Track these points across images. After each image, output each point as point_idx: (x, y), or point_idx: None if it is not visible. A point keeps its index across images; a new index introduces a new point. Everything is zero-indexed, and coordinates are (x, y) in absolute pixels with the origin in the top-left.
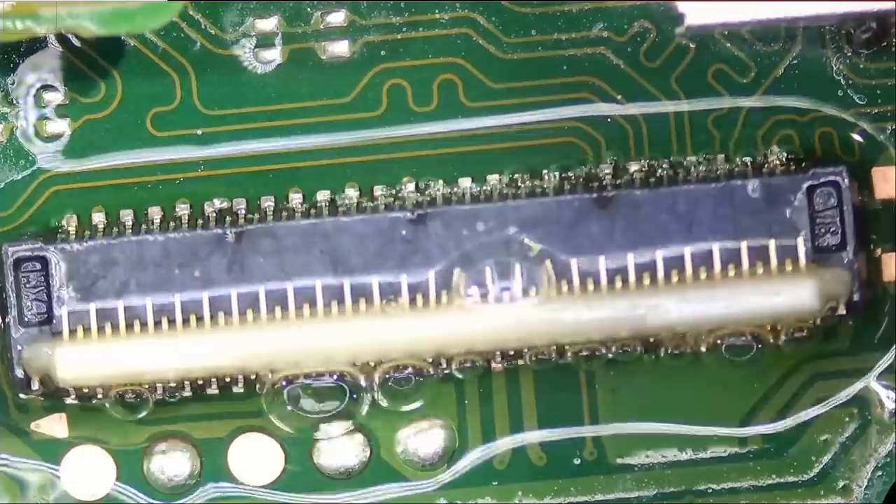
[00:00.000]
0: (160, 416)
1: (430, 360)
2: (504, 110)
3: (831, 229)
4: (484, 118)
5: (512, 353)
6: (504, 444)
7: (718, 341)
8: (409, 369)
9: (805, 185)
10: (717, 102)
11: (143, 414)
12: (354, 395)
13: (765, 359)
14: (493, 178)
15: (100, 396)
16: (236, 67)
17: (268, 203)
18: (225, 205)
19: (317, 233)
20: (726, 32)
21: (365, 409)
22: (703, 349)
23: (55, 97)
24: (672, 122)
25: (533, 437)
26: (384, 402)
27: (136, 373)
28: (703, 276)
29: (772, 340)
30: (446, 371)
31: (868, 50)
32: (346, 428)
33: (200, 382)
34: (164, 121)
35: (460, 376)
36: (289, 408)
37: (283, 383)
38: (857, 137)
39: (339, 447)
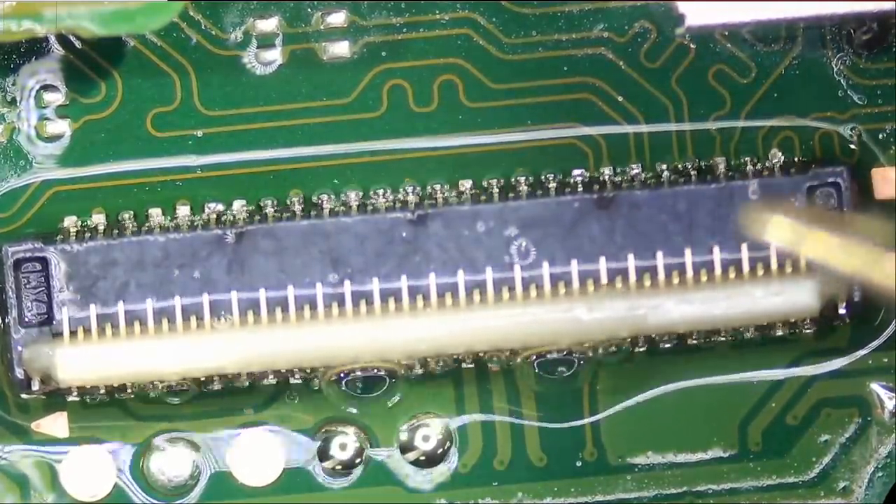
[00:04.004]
0: (160, 415)
1: (430, 359)
2: (504, 111)
3: None
4: (484, 118)
5: (512, 352)
6: (504, 443)
7: (720, 340)
8: (409, 369)
9: (805, 186)
10: (717, 103)
11: (144, 413)
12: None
13: (764, 358)
14: (493, 179)
15: (101, 396)
16: (237, 68)
17: (268, 204)
18: (222, 207)
19: (317, 233)
20: (727, 33)
21: (366, 406)
22: (703, 348)
23: (55, 98)
24: (672, 123)
25: (533, 436)
26: (384, 402)
27: (136, 373)
28: (703, 276)
29: (771, 340)
30: (446, 371)
31: (868, 50)
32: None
33: (202, 380)
34: (165, 121)
35: (460, 376)
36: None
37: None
38: (856, 138)
39: (340, 447)
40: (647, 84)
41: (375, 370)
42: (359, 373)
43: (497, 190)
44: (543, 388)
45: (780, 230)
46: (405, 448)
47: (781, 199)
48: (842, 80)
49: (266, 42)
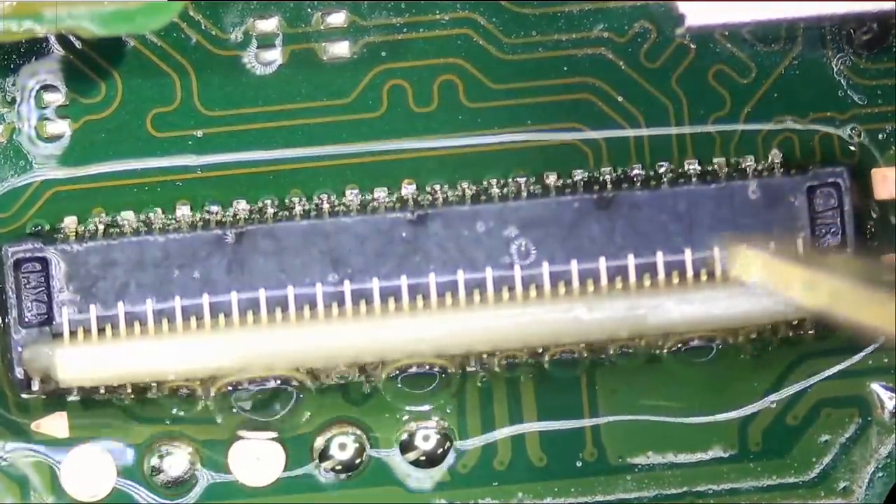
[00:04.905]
0: (160, 415)
1: (430, 360)
2: (504, 111)
3: (832, 230)
4: (484, 119)
5: (512, 353)
6: (504, 443)
7: (722, 339)
8: (410, 369)
9: (805, 186)
10: (717, 103)
11: (144, 414)
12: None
13: (764, 359)
14: (493, 179)
15: (100, 396)
16: (237, 68)
17: (268, 204)
18: (222, 207)
19: (317, 234)
20: (727, 33)
21: (365, 409)
22: (703, 349)
23: (55, 98)
24: (672, 124)
25: (533, 437)
26: (384, 402)
27: (136, 373)
28: (703, 276)
29: (771, 341)
30: (446, 371)
31: (868, 51)
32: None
33: (203, 382)
34: (165, 122)
35: (460, 377)
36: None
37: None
38: (857, 138)
39: (339, 447)
40: (647, 84)
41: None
42: (357, 375)
43: (497, 190)
44: (544, 387)
45: (750, 266)
46: (405, 448)
47: (781, 199)
48: (842, 81)
49: (266, 42)
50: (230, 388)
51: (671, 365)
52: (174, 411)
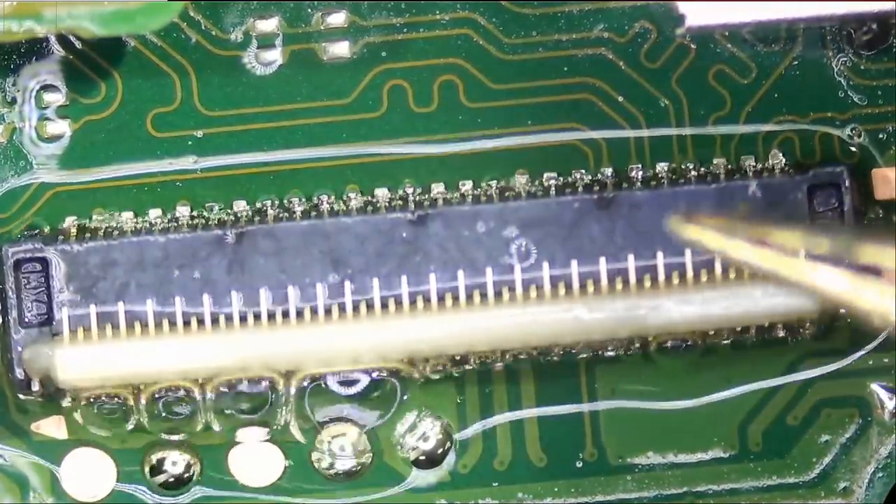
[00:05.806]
0: (160, 416)
1: (430, 360)
2: (504, 111)
3: None
4: (484, 119)
5: (512, 352)
6: (504, 444)
7: (719, 341)
8: (410, 369)
9: (805, 186)
10: (717, 103)
11: (143, 415)
12: (358, 396)
13: (763, 359)
14: (493, 180)
15: (100, 397)
16: (237, 68)
17: (268, 204)
18: (222, 207)
19: (317, 234)
20: (727, 33)
21: (365, 408)
22: (703, 349)
23: (56, 98)
24: (672, 124)
25: (533, 436)
26: (385, 402)
27: (136, 374)
28: (703, 276)
29: (771, 341)
30: (446, 371)
31: (869, 51)
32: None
33: (202, 383)
34: (165, 122)
35: (460, 376)
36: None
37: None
38: (857, 138)
39: (340, 448)
40: (648, 84)
41: (377, 372)
42: (357, 375)
43: (497, 190)
44: (544, 387)
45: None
46: (404, 448)
47: (781, 199)
48: (842, 81)
49: (266, 42)
50: (226, 388)
51: (672, 365)
52: (174, 412)
